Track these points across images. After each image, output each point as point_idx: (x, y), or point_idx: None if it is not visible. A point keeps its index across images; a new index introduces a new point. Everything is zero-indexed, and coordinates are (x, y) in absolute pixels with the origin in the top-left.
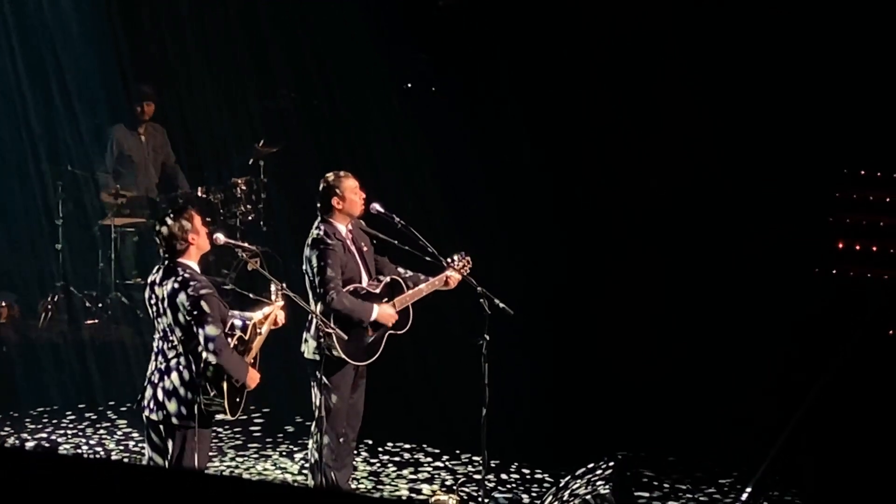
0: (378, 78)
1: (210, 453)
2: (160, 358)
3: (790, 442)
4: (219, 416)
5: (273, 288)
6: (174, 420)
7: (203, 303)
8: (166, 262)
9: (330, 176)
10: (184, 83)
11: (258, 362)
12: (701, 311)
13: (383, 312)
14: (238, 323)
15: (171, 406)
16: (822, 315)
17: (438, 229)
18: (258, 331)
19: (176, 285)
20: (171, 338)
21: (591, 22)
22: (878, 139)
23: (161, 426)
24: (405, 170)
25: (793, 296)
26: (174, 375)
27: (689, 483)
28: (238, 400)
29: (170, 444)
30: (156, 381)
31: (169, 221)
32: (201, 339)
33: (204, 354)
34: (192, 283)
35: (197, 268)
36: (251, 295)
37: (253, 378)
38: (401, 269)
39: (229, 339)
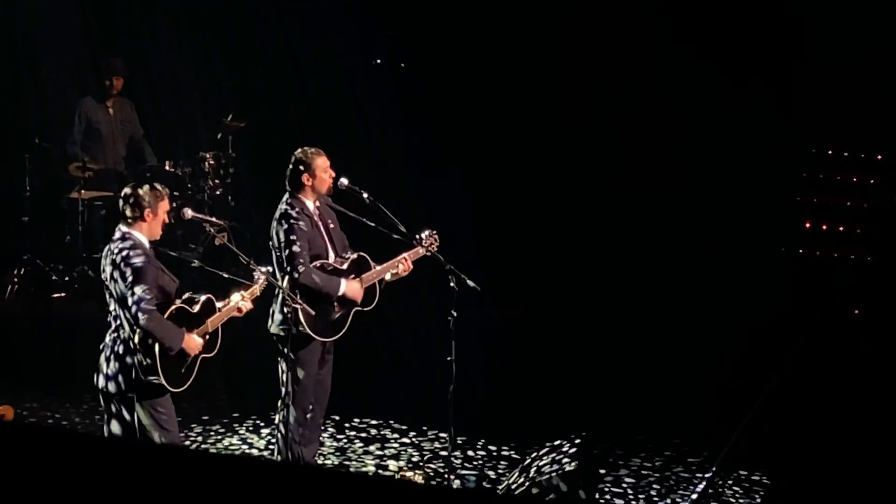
0: (347, 53)
1: (175, 421)
2: (111, 328)
3: (757, 421)
4: (156, 382)
5: (256, 274)
6: (126, 391)
7: (134, 269)
8: (119, 229)
9: (303, 152)
10: (152, 57)
11: (219, 338)
12: (670, 291)
13: (351, 288)
14: (196, 296)
15: (122, 377)
16: (789, 294)
17: (407, 205)
18: (216, 306)
19: (123, 253)
20: (119, 307)
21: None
22: (846, 120)
23: (117, 397)
24: (374, 146)
25: (760, 275)
26: (122, 346)
27: (658, 462)
28: (182, 371)
29: (128, 415)
30: (108, 352)
31: (133, 189)
32: (129, 303)
33: (130, 317)
34: (134, 250)
35: (145, 242)
36: (224, 275)
37: (190, 345)
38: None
39: (169, 308)
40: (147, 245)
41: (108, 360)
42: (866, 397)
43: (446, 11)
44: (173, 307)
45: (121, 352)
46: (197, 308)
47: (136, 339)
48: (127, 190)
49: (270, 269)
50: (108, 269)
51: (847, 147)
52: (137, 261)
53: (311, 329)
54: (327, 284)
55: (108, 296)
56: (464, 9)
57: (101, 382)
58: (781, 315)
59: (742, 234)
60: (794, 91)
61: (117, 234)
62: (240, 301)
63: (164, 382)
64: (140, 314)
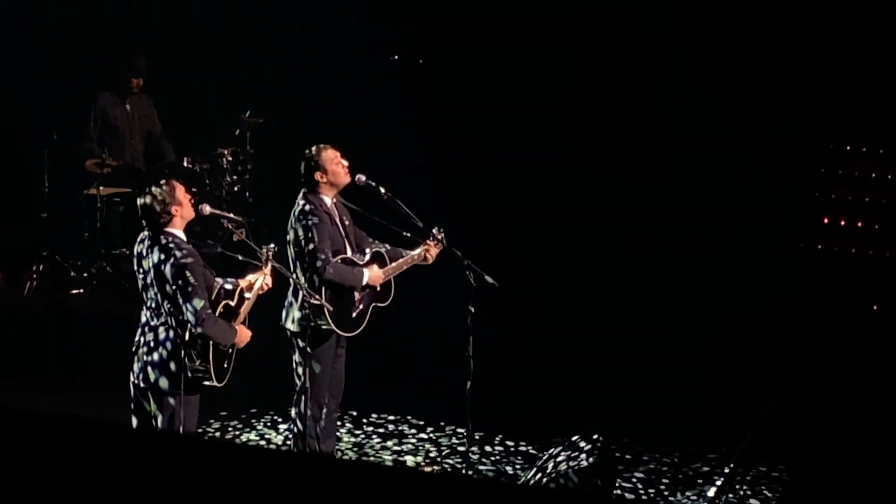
0: (365, 49)
1: (196, 421)
2: (146, 329)
3: (774, 417)
4: (206, 384)
5: (263, 250)
6: (162, 390)
7: (187, 273)
8: (150, 234)
9: (309, 151)
10: (170, 53)
11: (248, 324)
12: (688, 286)
13: (373, 275)
14: (228, 287)
15: (160, 378)
16: (807, 289)
17: (424, 201)
18: (245, 296)
19: (161, 256)
20: (158, 309)
21: None
22: (864, 114)
23: (149, 394)
24: (391, 142)
25: (778, 270)
26: (162, 349)
27: (677, 458)
28: (226, 366)
29: (158, 416)
30: (144, 353)
31: (150, 195)
32: (186, 311)
33: (189, 326)
34: (176, 252)
35: (182, 236)
36: (240, 257)
37: (242, 337)
38: (379, 244)
39: (216, 305)
40: (185, 239)
41: (154, 359)
42: (884, 393)
43: (464, 7)
44: (220, 306)
45: (164, 354)
46: (235, 301)
47: (190, 341)
48: (142, 200)
49: (274, 245)
50: (153, 277)
51: (865, 142)
52: (187, 264)
53: (333, 324)
54: (351, 277)
55: (146, 295)
56: (481, 4)
57: (143, 380)
58: (799, 310)
59: (760, 229)
60: (812, 85)
61: (155, 242)
62: (262, 282)
63: (215, 381)
64: (199, 325)
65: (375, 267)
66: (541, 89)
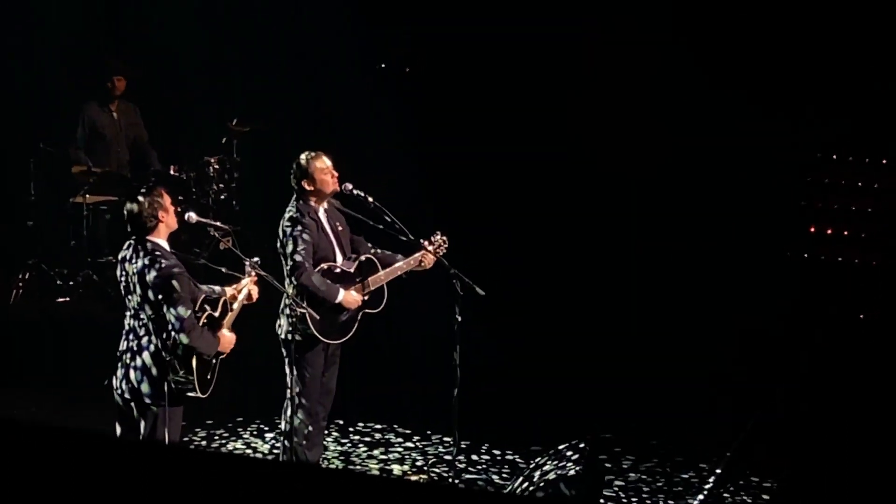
0: (352, 57)
1: (180, 431)
2: (131, 336)
3: (760, 428)
4: (190, 395)
5: (247, 263)
6: (146, 399)
7: (173, 282)
8: (135, 240)
9: (300, 158)
10: (158, 61)
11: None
12: (676, 295)
13: (348, 297)
14: (212, 297)
15: (143, 385)
16: (795, 299)
17: (413, 209)
18: (230, 307)
19: (146, 263)
20: (141, 316)
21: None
22: (850, 124)
23: (132, 404)
24: (379, 150)
25: (766, 280)
26: (145, 355)
27: (668, 466)
28: (209, 377)
29: (141, 422)
30: (127, 360)
31: (139, 199)
32: (171, 320)
33: (173, 334)
34: (161, 261)
35: (166, 245)
36: (224, 269)
37: (226, 343)
38: (377, 249)
39: (199, 316)
40: (169, 249)
41: (137, 364)
42: (872, 402)
43: (451, 15)
44: (204, 317)
45: (147, 360)
46: (218, 311)
47: (171, 350)
48: (130, 205)
49: (258, 259)
50: (136, 282)
51: (851, 151)
52: (172, 273)
53: (318, 332)
54: (325, 289)
55: (130, 304)
56: (469, 12)
57: (121, 390)
58: (787, 320)
59: (747, 238)
60: (799, 95)
61: (140, 247)
62: (246, 293)
63: (198, 392)
64: (183, 333)
65: (353, 291)
66: (540, 89)
